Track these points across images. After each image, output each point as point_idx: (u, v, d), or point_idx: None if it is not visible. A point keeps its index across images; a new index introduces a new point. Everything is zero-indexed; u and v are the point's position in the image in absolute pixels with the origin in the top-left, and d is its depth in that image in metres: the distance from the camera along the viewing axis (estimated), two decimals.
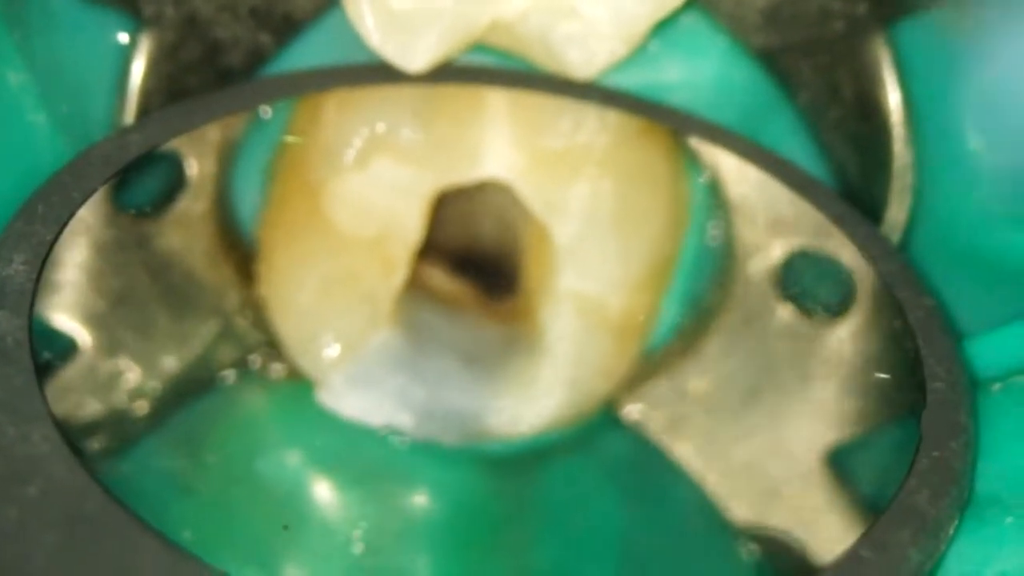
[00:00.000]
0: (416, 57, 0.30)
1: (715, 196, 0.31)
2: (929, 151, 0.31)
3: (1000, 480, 0.24)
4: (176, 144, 0.28)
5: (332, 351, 0.30)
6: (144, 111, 0.29)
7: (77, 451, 0.19)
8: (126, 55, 0.29)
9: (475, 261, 0.32)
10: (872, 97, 0.31)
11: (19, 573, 0.17)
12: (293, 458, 0.30)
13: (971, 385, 0.25)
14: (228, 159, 0.30)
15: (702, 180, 0.31)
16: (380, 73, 0.30)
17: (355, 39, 0.30)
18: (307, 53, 0.31)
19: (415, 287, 0.31)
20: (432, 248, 0.31)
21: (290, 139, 0.30)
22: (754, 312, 0.30)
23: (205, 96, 0.29)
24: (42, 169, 0.26)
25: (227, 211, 0.30)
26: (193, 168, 0.29)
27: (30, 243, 0.23)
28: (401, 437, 0.30)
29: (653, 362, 0.31)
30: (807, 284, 0.29)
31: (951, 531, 0.22)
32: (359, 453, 0.30)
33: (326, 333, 0.30)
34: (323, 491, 0.29)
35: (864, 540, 0.21)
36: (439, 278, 0.32)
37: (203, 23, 0.30)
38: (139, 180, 0.27)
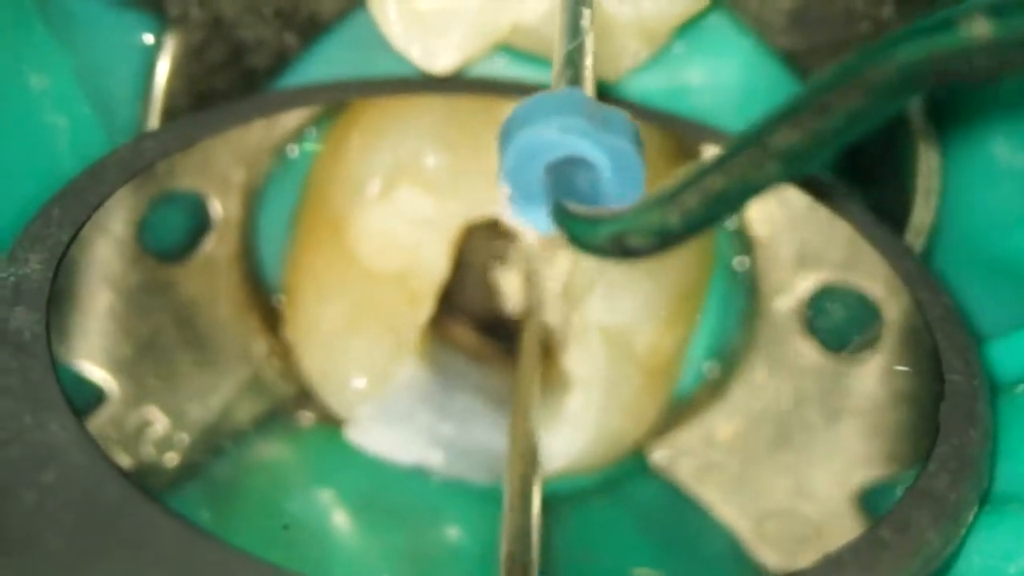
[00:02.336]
0: (440, 58, 0.30)
1: (738, 230, 0.30)
2: (954, 154, 0.31)
3: (1021, 478, 0.24)
4: (200, 186, 0.28)
5: (359, 386, 0.30)
6: (169, 112, 0.30)
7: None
8: (151, 56, 0.29)
9: (500, 323, 0.31)
10: None
11: (34, 555, 0.18)
12: (323, 498, 0.29)
13: (988, 379, 0.25)
14: (254, 202, 0.30)
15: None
16: (395, 85, 0.30)
17: (379, 40, 0.30)
18: (332, 54, 0.31)
19: (440, 337, 0.31)
20: (456, 308, 0.31)
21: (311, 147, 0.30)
22: (780, 352, 0.29)
23: (223, 106, 0.29)
24: (61, 172, 0.26)
25: (253, 255, 0.30)
26: (218, 210, 0.29)
27: (46, 244, 0.23)
28: (432, 475, 0.30)
29: (681, 408, 0.31)
30: (833, 321, 0.29)
31: (971, 517, 0.22)
32: (389, 492, 0.29)
33: (352, 368, 0.30)
34: (353, 530, 0.29)
35: (884, 522, 0.21)
36: (464, 335, 0.31)
37: (228, 24, 0.30)
38: (164, 222, 0.27)
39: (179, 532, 0.18)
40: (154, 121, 0.30)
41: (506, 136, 0.20)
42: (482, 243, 0.31)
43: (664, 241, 0.18)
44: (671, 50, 0.31)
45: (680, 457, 0.31)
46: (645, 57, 0.30)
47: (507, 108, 0.29)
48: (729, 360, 0.31)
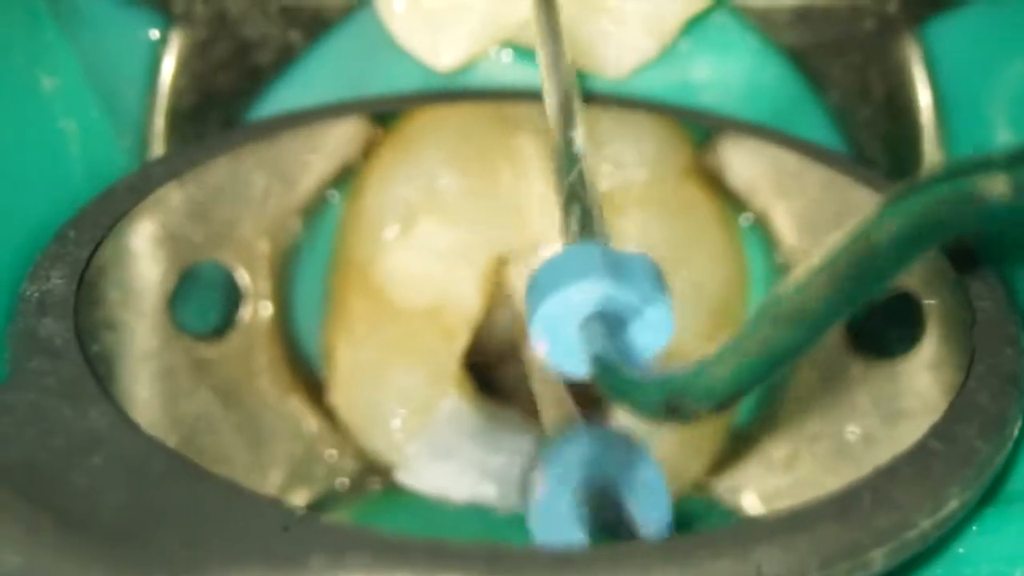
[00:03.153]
0: (445, 54, 0.30)
1: (766, 243, 0.30)
2: (960, 150, 0.31)
3: None
4: (226, 259, 0.28)
5: (402, 427, 0.29)
6: (174, 108, 0.29)
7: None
8: (157, 52, 0.29)
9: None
10: (903, 96, 0.31)
11: (92, 528, 0.18)
12: None
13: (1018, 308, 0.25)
14: (284, 273, 0.30)
15: (745, 220, 0.30)
16: (397, 101, 0.30)
17: (385, 37, 0.30)
18: (337, 51, 0.31)
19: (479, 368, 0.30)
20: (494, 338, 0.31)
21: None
22: (827, 366, 0.29)
23: (224, 133, 0.29)
24: (71, 177, 0.26)
25: (289, 327, 0.30)
26: (247, 285, 0.29)
27: (65, 261, 0.24)
28: (488, 510, 0.29)
29: (738, 439, 0.31)
30: (873, 325, 0.28)
31: (1015, 431, 0.22)
32: (448, 530, 0.28)
33: (394, 410, 0.29)
34: None
35: (932, 433, 0.21)
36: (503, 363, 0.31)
37: (233, 20, 0.30)
38: (195, 301, 0.27)
39: (231, 494, 0.19)
40: (160, 118, 0.30)
41: (533, 299, 0.21)
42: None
43: (720, 404, 0.18)
44: (677, 47, 0.31)
45: (744, 487, 0.30)
46: (653, 54, 0.30)
47: (511, 121, 0.30)
48: (779, 383, 0.30)
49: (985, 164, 0.13)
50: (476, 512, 0.29)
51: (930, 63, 0.31)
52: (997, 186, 0.13)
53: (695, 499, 0.30)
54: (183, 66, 0.30)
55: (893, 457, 0.21)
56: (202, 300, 0.28)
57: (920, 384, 0.27)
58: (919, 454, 0.21)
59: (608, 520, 0.21)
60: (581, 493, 0.23)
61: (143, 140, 0.29)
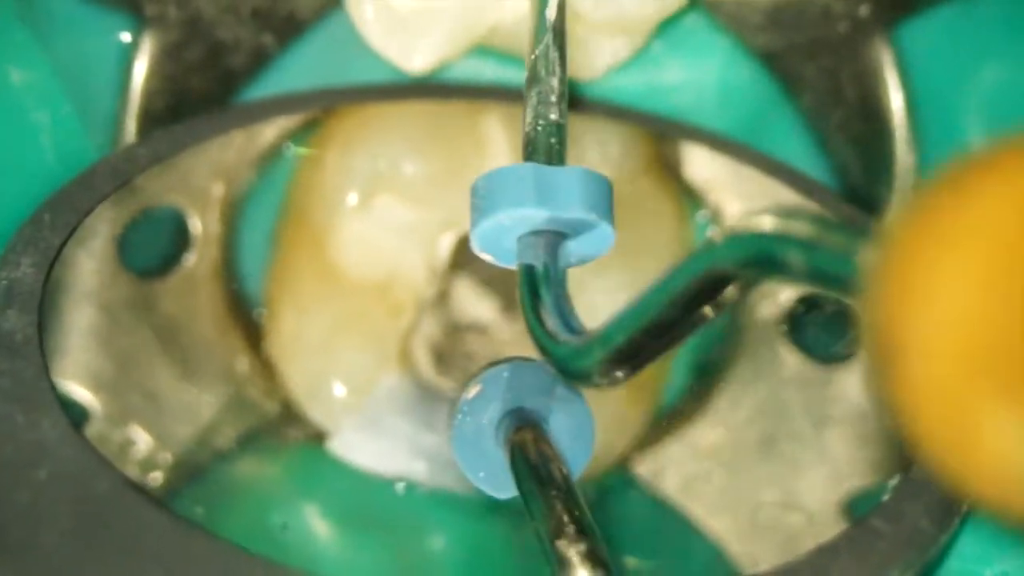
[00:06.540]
0: (417, 57, 0.30)
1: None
2: (932, 152, 0.31)
3: None
4: (179, 201, 0.28)
5: (342, 399, 0.30)
6: (147, 111, 0.29)
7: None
8: (129, 55, 0.29)
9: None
10: (875, 98, 0.31)
11: (30, 554, 0.18)
12: (309, 512, 0.29)
13: None
14: (233, 217, 0.30)
15: (701, 218, 0.31)
16: (370, 93, 0.30)
17: (357, 40, 0.30)
18: (309, 54, 0.31)
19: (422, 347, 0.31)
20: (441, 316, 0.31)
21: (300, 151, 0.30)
22: (763, 361, 0.29)
23: (207, 116, 0.29)
24: (45, 169, 0.26)
25: (233, 270, 0.30)
26: (197, 227, 0.29)
27: (38, 247, 0.23)
28: (416, 486, 0.29)
29: (665, 420, 0.31)
30: (816, 328, 0.29)
31: (965, 506, 0.22)
32: (374, 504, 0.29)
33: (335, 381, 0.30)
34: (338, 543, 0.29)
35: (877, 512, 0.21)
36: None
37: (206, 24, 0.30)
38: (144, 240, 0.27)
39: (171, 527, 0.18)
40: (131, 120, 0.29)
41: (475, 212, 0.22)
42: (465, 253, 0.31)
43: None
44: (650, 49, 0.31)
45: (665, 470, 0.30)
46: (625, 56, 0.30)
47: (482, 113, 0.30)
48: (712, 370, 0.30)
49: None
50: (403, 485, 0.29)
51: (902, 65, 0.31)
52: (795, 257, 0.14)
53: (615, 475, 0.30)
54: (155, 69, 0.29)
55: (836, 535, 0.21)
56: (152, 241, 0.28)
57: (852, 393, 0.27)
58: (863, 533, 0.21)
59: (528, 449, 0.21)
60: (506, 419, 0.23)
61: (115, 142, 0.29)
